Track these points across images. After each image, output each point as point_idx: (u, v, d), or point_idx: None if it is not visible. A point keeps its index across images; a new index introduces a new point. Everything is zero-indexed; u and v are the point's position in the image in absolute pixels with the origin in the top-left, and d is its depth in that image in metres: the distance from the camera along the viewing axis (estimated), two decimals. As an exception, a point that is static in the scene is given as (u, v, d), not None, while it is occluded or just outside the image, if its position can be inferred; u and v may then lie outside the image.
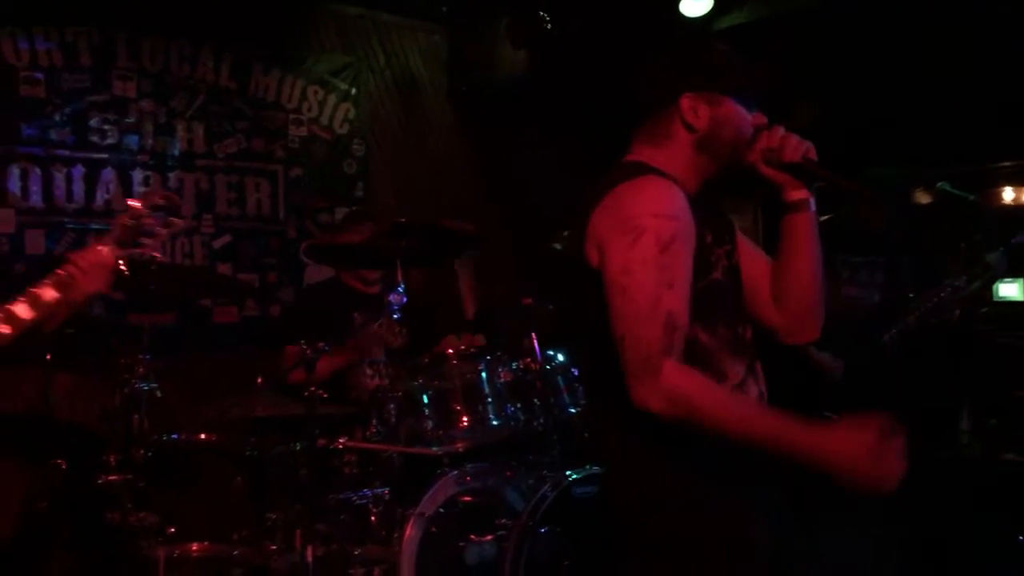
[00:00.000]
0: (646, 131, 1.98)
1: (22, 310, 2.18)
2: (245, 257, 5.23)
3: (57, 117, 4.72)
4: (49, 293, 2.21)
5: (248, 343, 5.16)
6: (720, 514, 1.84)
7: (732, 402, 1.80)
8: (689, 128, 1.93)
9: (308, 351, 3.06)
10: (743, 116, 1.96)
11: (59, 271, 2.22)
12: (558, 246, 3.42)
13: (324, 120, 5.61)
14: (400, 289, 3.09)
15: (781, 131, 1.97)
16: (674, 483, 1.85)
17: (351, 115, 5.70)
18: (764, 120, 1.98)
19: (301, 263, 5.45)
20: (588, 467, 3.19)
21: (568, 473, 3.15)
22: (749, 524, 1.87)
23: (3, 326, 2.16)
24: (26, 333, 2.19)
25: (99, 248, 2.28)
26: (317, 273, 5.46)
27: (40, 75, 4.68)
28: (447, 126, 6.05)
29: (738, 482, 1.84)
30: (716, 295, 1.88)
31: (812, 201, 2.01)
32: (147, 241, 2.34)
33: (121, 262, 2.30)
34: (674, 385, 1.71)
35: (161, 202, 2.37)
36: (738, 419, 1.73)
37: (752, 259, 2.08)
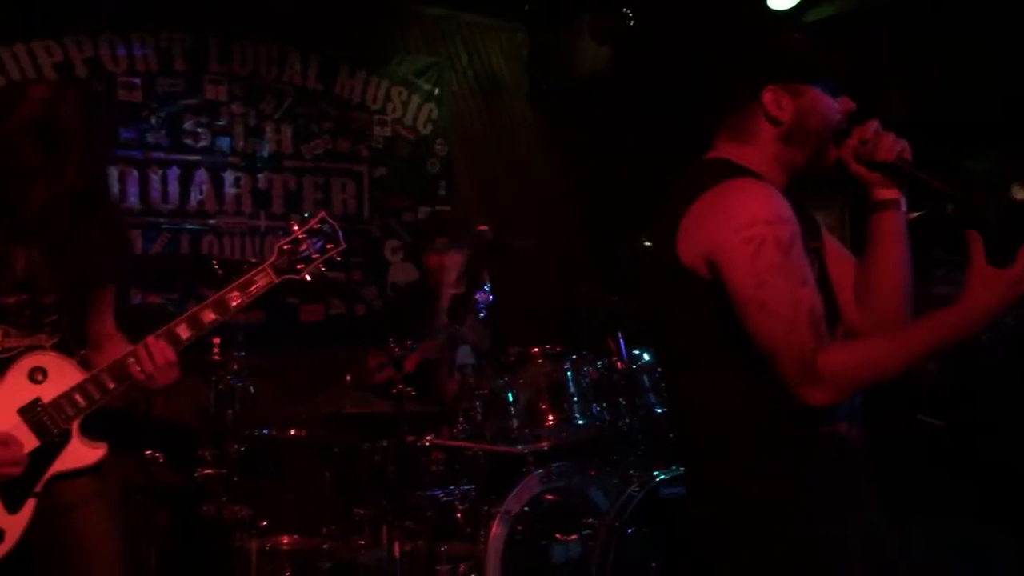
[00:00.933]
0: (730, 127, 1.93)
1: (182, 330, 2.29)
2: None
3: (153, 121, 4.87)
4: (208, 316, 2.32)
5: (334, 341, 5.26)
6: (811, 518, 1.80)
7: (883, 348, 1.75)
8: (773, 121, 1.88)
9: (396, 349, 3.09)
10: (828, 104, 1.90)
11: (222, 294, 2.32)
12: (648, 243, 3.40)
13: (408, 120, 5.67)
14: (487, 288, 3.10)
15: (875, 126, 1.91)
16: (764, 486, 1.81)
17: (434, 115, 5.75)
18: (852, 105, 1.92)
19: (385, 262, 5.53)
20: (675, 468, 3.16)
21: (656, 473, 3.12)
22: (841, 528, 1.82)
23: (188, 330, 2.29)
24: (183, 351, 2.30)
25: (256, 278, 2.36)
26: (401, 272, 5.54)
27: (137, 80, 4.83)
28: (528, 125, 6.06)
29: (830, 484, 1.80)
30: None
31: (903, 200, 1.95)
32: (301, 267, 2.41)
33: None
34: (833, 373, 1.68)
35: (319, 227, 2.44)
36: (899, 355, 1.71)
37: (837, 258, 2.03)
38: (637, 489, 3.07)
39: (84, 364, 2.31)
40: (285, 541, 3.44)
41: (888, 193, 1.94)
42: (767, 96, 1.87)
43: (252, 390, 3.22)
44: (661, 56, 5.28)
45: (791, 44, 1.94)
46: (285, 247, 2.42)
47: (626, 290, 3.55)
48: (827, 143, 1.91)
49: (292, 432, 3.56)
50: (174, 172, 4.95)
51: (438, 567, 3.21)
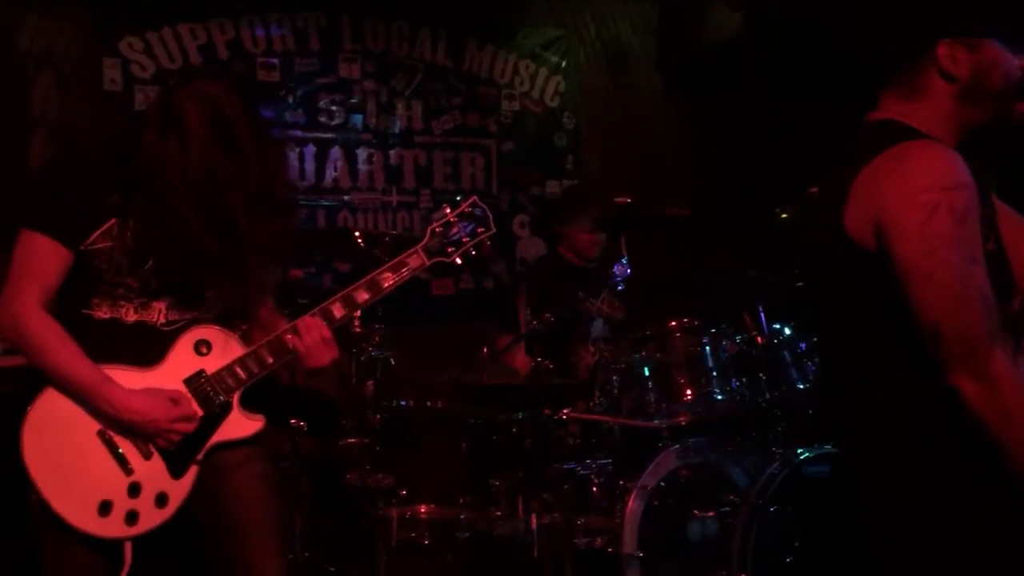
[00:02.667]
0: (898, 85, 1.82)
1: (336, 309, 2.36)
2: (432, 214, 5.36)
3: (290, 100, 5.00)
4: (362, 295, 2.38)
5: (463, 315, 5.33)
6: (982, 522, 1.70)
7: None
8: (948, 78, 1.77)
9: (534, 323, 3.10)
10: (1009, 59, 1.79)
11: (375, 275, 2.38)
12: (785, 216, 3.30)
13: (535, 94, 5.65)
14: (624, 261, 3.07)
15: None
16: (934, 482, 1.72)
17: (561, 88, 5.72)
18: None
19: (514, 236, 5.55)
20: (819, 446, 3.08)
21: (800, 451, 3.04)
22: (1015, 537, 1.71)
23: (343, 308, 2.35)
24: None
25: (408, 259, 2.40)
26: (529, 246, 5.55)
27: (275, 60, 4.97)
28: (657, 96, 5.95)
29: (1006, 489, 1.69)
30: (992, 268, 1.73)
31: None
32: (451, 250, 2.45)
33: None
34: (1002, 379, 1.59)
35: (470, 211, 2.47)
36: None
37: (1010, 224, 1.91)
38: (780, 467, 3.00)
39: (245, 339, 2.38)
40: (423, 510, 3.51)
41: None
42: (942, 50, 1.76)
43: (393, 362, 3.28)
44: (798, 21, 5.09)
45: None
46: (437, 229, 2.45)
47: (765, 263, 3.46)
48: (1010, 100, 1.79)
49: (429, 403, 3.63)
50: (310, 150, 5.07)
51: (576, 540, 3.21)
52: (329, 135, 5.12)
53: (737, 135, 5.66)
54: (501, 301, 4.91)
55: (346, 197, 5.16)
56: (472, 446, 3.52)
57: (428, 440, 3.55)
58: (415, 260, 2.41)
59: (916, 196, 1.64)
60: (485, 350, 3.47)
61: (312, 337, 2.30)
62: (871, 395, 1.77)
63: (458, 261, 2.46)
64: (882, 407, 1.76)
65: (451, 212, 2.46)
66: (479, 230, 2.47)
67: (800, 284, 3.47)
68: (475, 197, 2.52)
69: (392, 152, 5.27)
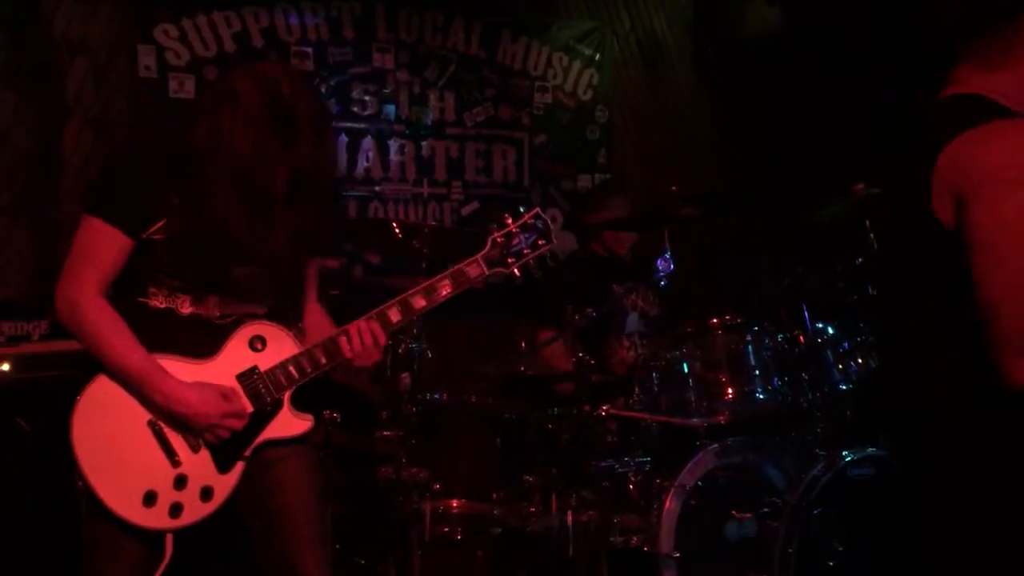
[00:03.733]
0: (979, 53, 1.75)
1: (393, 314, 2.36)
2: (491, 224, 5.32)
3: (324, 89, 4.96)
4: (419, 302, 2.37)
5: (492, 309, 5.29)
6: None
7: None
8: None
9: (577, 317, 3.05)
10: None
11: (433, 282, 2.38)
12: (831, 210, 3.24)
13: (568, 87, 5.60)
14: (668, 255, 3.02)
15: None
16: (1001, 471, 1.67)
17: (595, 81, 5.65)
18: None
19: (515, 213, 5.48)
20: (864, 448, 3.02)
21: (844, 454, 2.98)
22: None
23: (400, 315, 2.35)
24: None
25: (468, 268, 2.41)
26: (560, 241, 5.48)
27: (309, 49, 4.94)
28: (691, 90, 5.89)
29: None
30: None
31: None
32: (511, 261, 2.45)
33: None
34: None
35: (531, 222, 2.46)
36: None
37: None
38: (824, 469, 2.94)
39: (300, 337, 2.37)
40: (455, 505, 3.46)
41: None
42: None
43: (430, 354, 3.24)
44: (835, 13, 5.01)
45: None
46: (499, 240, 2.45)
47: (809, 260, 3.40)
48: None
49: (462, 398, 3.59)
50: (343, 140, 5.04)
51: (612, 538, 3.17)
52: (361, 125, 5.08)
53: (772, 129, 5.60)
54: (535, 295, 4.87)
55: (377, 188, 5.12)
56: (507, 441, 3.48)
57: (462, 434, 3.51)
58: (474, 270, 2.41)
59: (1000, 173, 1.59)
60: (523, 344, 3.42)
61: (366, 341, 2.30)
62: (941, 379, 1.72)
63: (516, 272, 2.46)
64: (952, 391, 1.71)
65: (513, 223, 2.46)
66: (539, 242, 2.47)
67: (840, 278, 3.42)
68: (537, 209, 2.51)
69: (424, 143, 5.23)
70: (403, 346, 3.28)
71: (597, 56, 5.66)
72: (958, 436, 1.71)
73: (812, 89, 5.45)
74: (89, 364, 2.18)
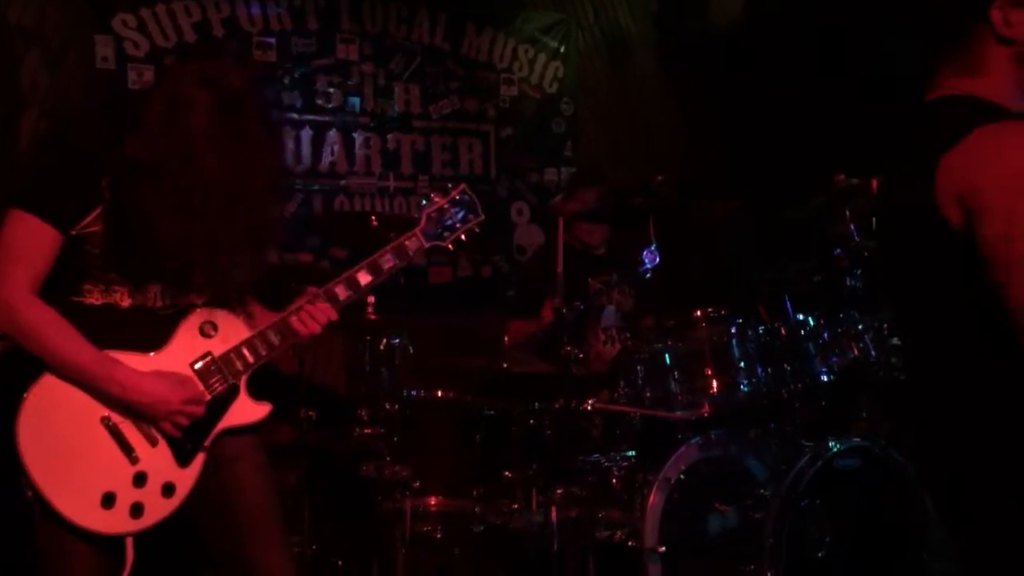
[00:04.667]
0: (955, 60, 1.75)
1: (340, 291, 2.35)
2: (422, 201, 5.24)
3: (287, 80, 4.86)
4: (364, 277, 2.37)
5: (460, 303, 5.24)
6: None
7: None
8: (1005, 41, 1.70)
9: (564, 309, 3.02)
10: None
11: (375, 257, 2.38)
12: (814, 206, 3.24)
13: (534, 79, 5.56)
14: (653, 247, 3.00)
15: None
16: (1014, 463, 1.66)
17: (560, 73, 5.63)
18: None
19: (511, 224, 5.46)
20: (849, 439, 3.03)
21: (831, 444, 2.99)
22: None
23: (346, 290, 2.35)
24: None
25: (407, 242, 2.44)
26: (527, 234, 5.46)
27: (272, 40, 4.83)
28: (656, 81, 5.88)
29: None
30: None
31: None
32: (446, 235, 2.51)
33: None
34: None
35: (459, 198, 2.53)
36: None
37: None
38: (811, 460, 2.94)
39: (248, 320, 2.32)
40: (433, 502, 3.41)
41: None
42: (995, 15, 1.70)
43: (411, 349, 3.18)
44: (801, 2, 5.04)
45: None
46: (432, 215, 2.50)
47: (788, 253, 3.40)
48: None
49: (439, 393, 3.53)
50: (307, 133, 4.94)
51: (597, 533, 3.14)
52: (326, 118, 4.99)
53: (738, 120, 5.61)
54: (508, 288, 4.83)
55: (342, 182, 5.03)
56: (484, 437, 3.43)
57: (439, 431, 3.45)
58: (413, 243, 2.45)
59: (1010, 179, 1.58)
60: (507, 339, 3.38)
61: (319, 319, 2.30)
62: (951, 376, 1.71)
63: (451, 247, 2.53)
64: (962, 389, 1.70)
65: (442, 199, 2.53)
66: (469, 216, 2.54)
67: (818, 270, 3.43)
68: (464, 185, 2.59)
69: (390, 136, 5.15)
70: (383, 342, 3.22)
71: (562, 48, 5.64)
72: (971, 432, 1.70)
73: (778, 79, 5.48)
74: (20, 367, 2.05)
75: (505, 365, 3.38)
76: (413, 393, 3.47)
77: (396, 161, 5.17)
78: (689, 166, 5.62)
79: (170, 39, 4.59)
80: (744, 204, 3.08)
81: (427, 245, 2.48)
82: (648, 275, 3.05)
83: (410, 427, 3.38)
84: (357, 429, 3.26)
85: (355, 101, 5.06)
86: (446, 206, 2.53)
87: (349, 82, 5.04)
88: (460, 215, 2.53)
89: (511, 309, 4.24)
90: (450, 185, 2.62)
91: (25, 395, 2.04)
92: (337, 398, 3.57)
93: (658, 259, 3.04)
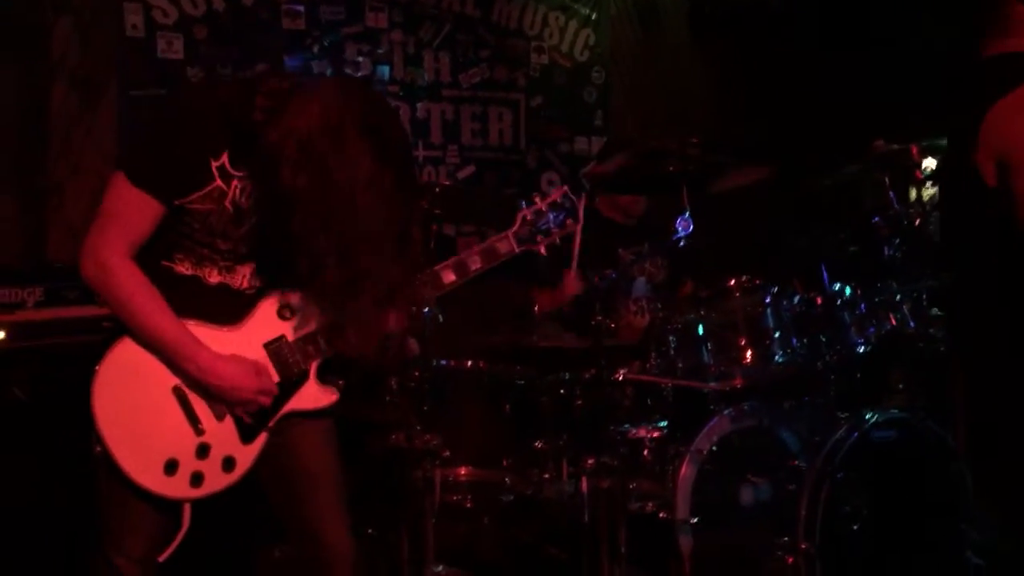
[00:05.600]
0: (991, 29, 1.81)
1: (447, 275, 2.36)
2: (487, 187, 5.23)
3: (316, 49, 4.83)
4: (448, 276, 2.36)
5: (488, 273, 5.20)
6: None
7: None
8: None
9: (597, 279, 2.98)
10: None
11: (463, 257, 2.38)
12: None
13: (564, 47, 5.48)
14: (687, 215, 2.95)
15: None
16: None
17: (591, 41, 5.54)
18: None
19: (541, 193, 5.40)
20: (886, 410, 2.98)
21: (868, 415, 2.94)
22: None
23: (428, 289, 2.34)
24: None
25: (498, 244, 2.42)
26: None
27: (300, 7, 4.79)
28: (688, 49, 5.79)
29: None
30: None
31: None
32: (540, 239, 2.46)
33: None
34: None
35: (560, 201, 2.48)
36: None
37: None
38: (847, 431, 2.89)
39: None
40: (463, 472, 3.40)
41: None
42: None
43: (441, 319, 3.16)
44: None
45: None
46: (528, 217, 2.45)
47: (824, 221, 3.34)
48: None
49: (469, 363, 3.51)
50: (336, 102, 4.90)
51: (628, 504, 3.12)
52: (355, 87, 4.94)
53: (770, 89, 5.51)
54: (536, 259, 4.77)
55: (372, 151, 4.99)
56: (515, 407, 3.41)
57: (472, 401, 3.44)
58: (504, 246, 2.42)
59: None
60: (537, 309, 3.35)
61: (399, 327, 2.31)
62: (993, 329, 1.71)
63: (543, 251, 2.46)
64: (1003, 341, 1.69)
65: (542, 201, 2.48)
66: (568, 221, 2.49)
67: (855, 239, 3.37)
68: (566, 188, 2.53)
69: (419, 105, 5.11)
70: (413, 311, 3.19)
71: (593, 15, 5.55)
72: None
73: (811, 49, 5.38)
74: (100, 328, 2.15)
75: (535, 338, 3.35)
76: (443, 362, 3.46)
77: (425, 130, 5.13)
78: (722, 134, 5.54)
79: (199, 8, 4.57)
80: (779, 170, 3.01)
81: (519, 250, 2.44)
82: (681, 243, 3.00)
83: (440, 397, 3.37)
84: (387, 398, 3.24)
85: (384, 70, 5.02)
86: (544, 209, 2.48)
87: (378, 50, 5.00)
88: (558, 219, 2.49)
89: (539, 279, 4.20)
90: (551, 186, 2.54)
91: (102, 357, 2.09)
92: (367, 366, 3.55)
93: (692, 227, 2.99)
